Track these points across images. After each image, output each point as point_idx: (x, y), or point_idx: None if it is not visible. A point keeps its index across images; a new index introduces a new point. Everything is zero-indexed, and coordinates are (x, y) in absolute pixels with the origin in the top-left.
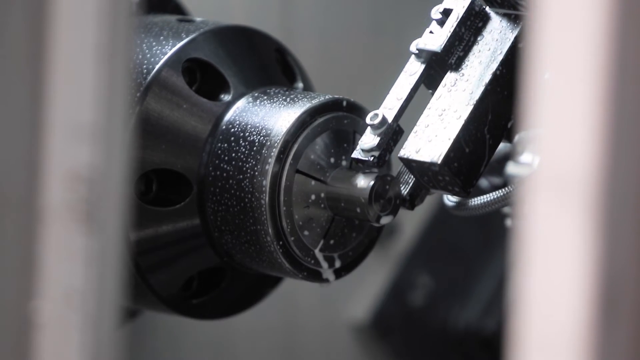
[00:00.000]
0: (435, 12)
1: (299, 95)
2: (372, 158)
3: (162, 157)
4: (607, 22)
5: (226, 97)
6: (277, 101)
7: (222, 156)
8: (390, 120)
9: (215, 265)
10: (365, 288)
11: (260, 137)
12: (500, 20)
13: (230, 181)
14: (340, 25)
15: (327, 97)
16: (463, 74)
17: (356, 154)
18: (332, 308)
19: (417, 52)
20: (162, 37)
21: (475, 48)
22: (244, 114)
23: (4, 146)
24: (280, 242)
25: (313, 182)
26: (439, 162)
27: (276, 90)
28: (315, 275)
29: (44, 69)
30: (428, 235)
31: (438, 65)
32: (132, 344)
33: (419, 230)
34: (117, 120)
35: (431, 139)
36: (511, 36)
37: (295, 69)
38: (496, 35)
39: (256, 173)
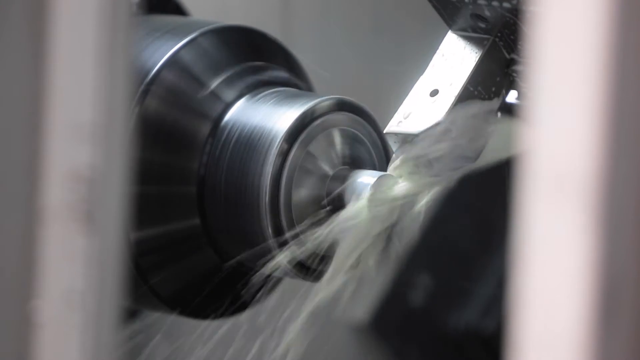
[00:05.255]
0: None
1: (299, 95)
2: None
3: (162, 158)
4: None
5: (226, 97)
6: (277, 101)
7: (222, 156)
8: None
9: (215, 265)
10: (365, 288)
11: (261, 137)
12: None
13: (230, 181)
14: (340, 25)
15: (327, 97)
16: None
17: None
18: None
19: None
20: (162, 37)
21: None
22: (244, 113)
23: (4, 146)
24: (281, 242)
25: (313, 182)
26: None
27: (276, 90)
28: (315, 275)
29: (44, 68)
30: (428, 235)
31: None
32: (132, 344)
33: (419, 230)
34: (117, 120)
35: None
36: None
37: (295, 69)
38: None
39: (256, 173)
